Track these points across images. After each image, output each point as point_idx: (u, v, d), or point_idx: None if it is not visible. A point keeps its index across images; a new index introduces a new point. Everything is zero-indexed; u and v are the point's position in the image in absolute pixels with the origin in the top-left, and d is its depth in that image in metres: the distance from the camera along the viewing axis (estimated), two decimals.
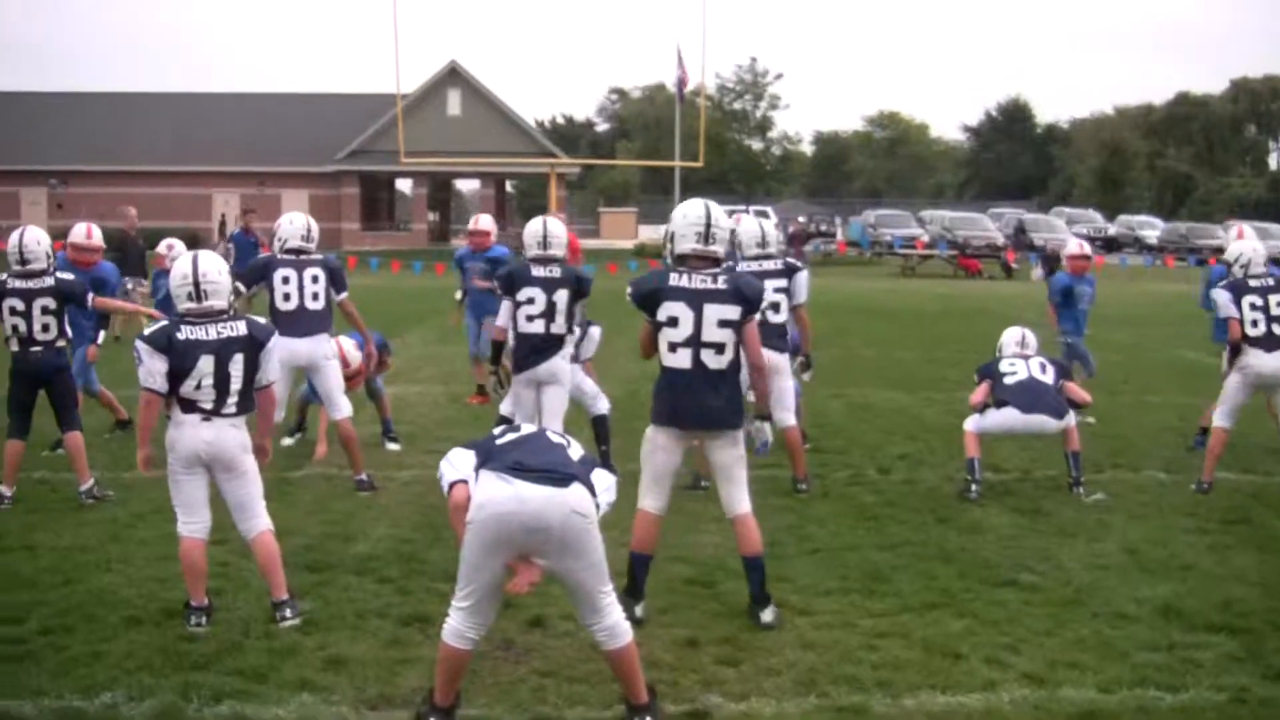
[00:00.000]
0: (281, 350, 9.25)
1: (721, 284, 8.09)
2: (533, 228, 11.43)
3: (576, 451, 6.60)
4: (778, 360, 11.29)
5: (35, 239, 11.13)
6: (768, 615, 8.15)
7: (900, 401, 17.04)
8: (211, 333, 8.02)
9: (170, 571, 8.59)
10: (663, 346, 8.19)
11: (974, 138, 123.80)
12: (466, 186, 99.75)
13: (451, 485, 6.45)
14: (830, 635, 7.89)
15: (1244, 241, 12.51)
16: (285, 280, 11.65)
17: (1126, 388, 17.46)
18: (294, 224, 11.94)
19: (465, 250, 17.04)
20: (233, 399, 8.07)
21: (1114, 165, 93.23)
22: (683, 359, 8.12)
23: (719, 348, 8.08)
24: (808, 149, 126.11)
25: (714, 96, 77.53)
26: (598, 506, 6.36)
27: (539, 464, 6.33)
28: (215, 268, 8.04)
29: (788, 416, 11.70)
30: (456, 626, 6.42)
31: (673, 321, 8.11)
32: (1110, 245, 66.86)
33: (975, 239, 57.27)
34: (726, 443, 8.25)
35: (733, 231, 8.72)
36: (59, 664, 7.25)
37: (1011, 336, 12.49)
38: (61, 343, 11.32)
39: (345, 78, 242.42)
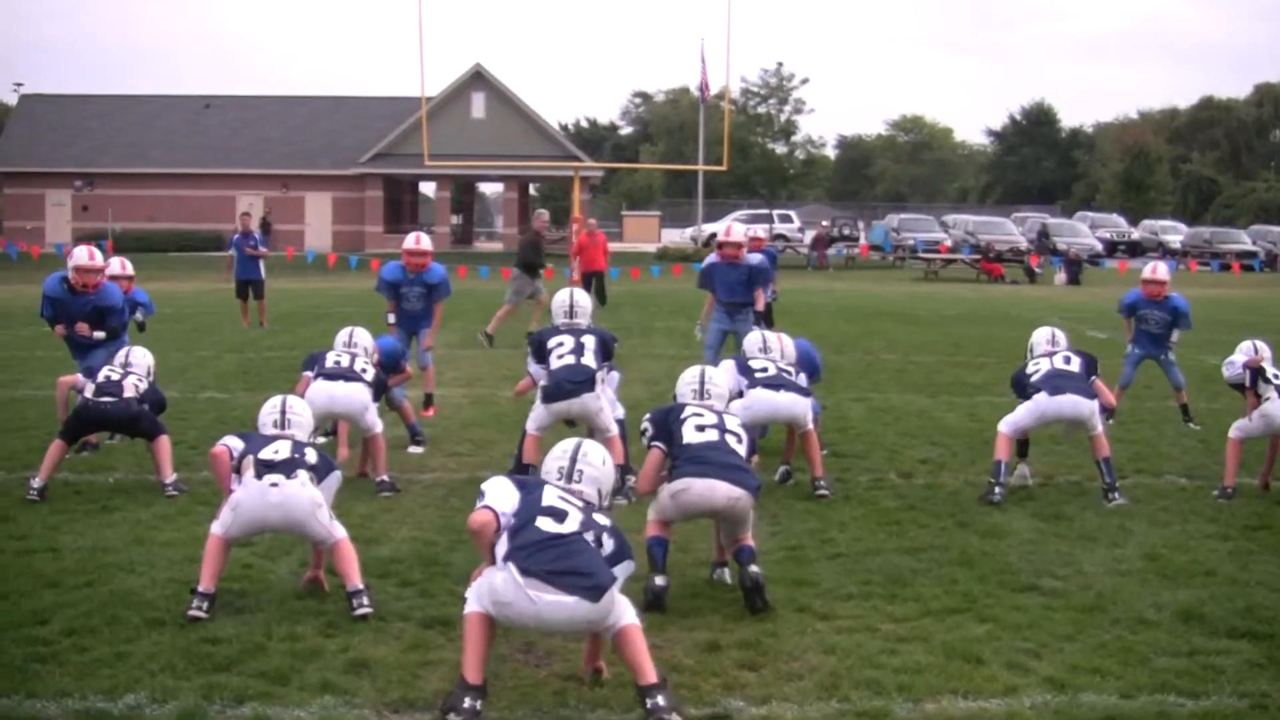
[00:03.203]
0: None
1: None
2: (560, 298, 12.37)
3: (610, 544, 6.96)
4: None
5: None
6: (754, 567, 8.46)
7: (921, 405, 17.02)
8: None
9: (194, 574, 8.62)
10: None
11: (998, 142, 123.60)
12: (490, 189, 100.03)
13: (481, 507, 6.90)
14: (852, 639, 7.89)
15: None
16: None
17: (1148, 393, 17.41)
18: None
19: (397, 270, 15.39)
20: None
21: (1138, 169, 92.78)
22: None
23: None
24: (831, 153, 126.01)
25: (738, 100, 77.35)
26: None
27: (568, 568, 6.68)
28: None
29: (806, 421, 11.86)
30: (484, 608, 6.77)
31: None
32: (1134, 249, 66.78)
33: (998, 243, 57.17)
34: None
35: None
36: (82, 665, 7.28)
37: (1042, 335, 12.54)
38: (131, 393, 11.92)
39: (369, 81, 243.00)
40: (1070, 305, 36.40)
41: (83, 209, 67.92)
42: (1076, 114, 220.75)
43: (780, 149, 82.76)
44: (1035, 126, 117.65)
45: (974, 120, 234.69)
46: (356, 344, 12.56)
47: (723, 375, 9.93)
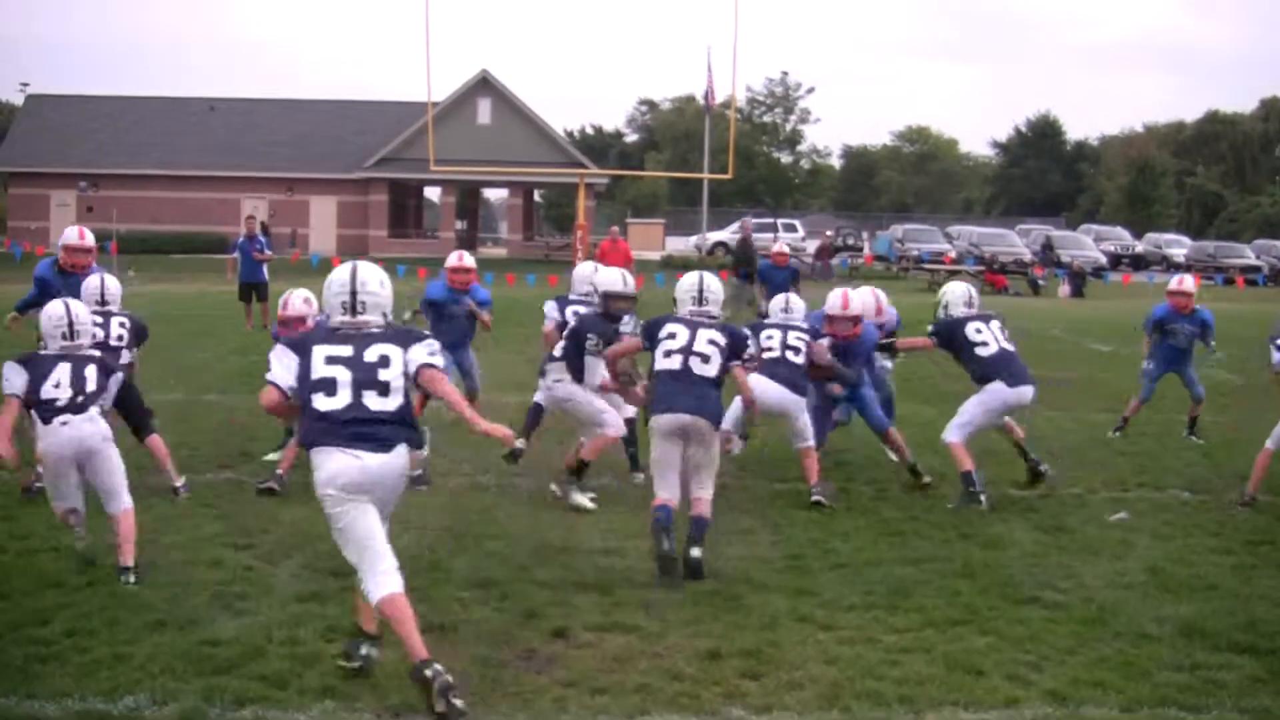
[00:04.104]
0: None
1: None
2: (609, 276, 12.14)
3: (394, 378, 7.26)
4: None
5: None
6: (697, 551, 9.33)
7: (925, 415, 16.96)
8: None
9: (195, 576, 8.65)
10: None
11: (1003, 154, 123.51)
12: (494, 195, 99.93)
13: (268, 384, 7.26)
14: (853, 650, 7.89)
15: None
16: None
17: (1152, 406, 17.38)
18: None
19: (442, 289, 14.88)
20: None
21: (1143, 183, 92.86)
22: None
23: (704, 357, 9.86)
24: (836, 163, 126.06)
25: (744, 109, 77.45)
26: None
27: (374, 434, 7.10)
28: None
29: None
30: (389, 579, 7.09)
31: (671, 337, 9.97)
32: (1138, 263, 66.75)
33: (1003, 255, 57.08)
34: None
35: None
36: (83, 666, 7.29)
37: (960, 294, 12.58)
38: (125, 357, 11.76)
39: (376, 85, 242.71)
40: (1074, 317, 36.33)
41: (87, 210, 67.76)
42: (1082, 127, 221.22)
43: (785, 158, 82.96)
44: (1040, 139, 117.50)
45: (979, 132, 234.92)
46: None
47: (719, 282, 10.32)
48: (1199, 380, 16.05)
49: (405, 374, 7.26)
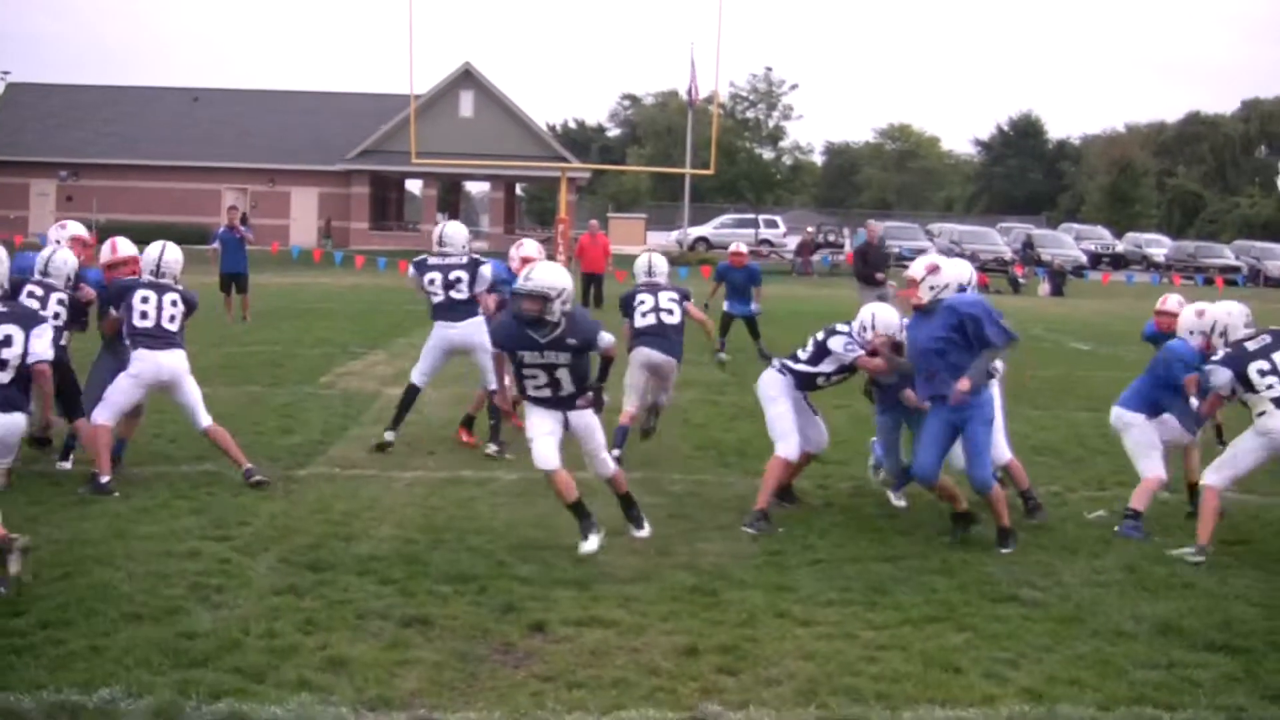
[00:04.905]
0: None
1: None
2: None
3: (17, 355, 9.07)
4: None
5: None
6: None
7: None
8: None
9: (172, 568, 8.61)
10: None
11: (985, 152, 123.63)
12: (476, 189, 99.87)
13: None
14: (831, 646, 7.88)
15: (1219, 306, 11.23)
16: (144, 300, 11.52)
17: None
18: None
19: (504, 270, 14.00)
20: None
21: (1124, 182, 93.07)
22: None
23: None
24: (818, 159, 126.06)
25: (726, 105, 77.34)
26: None
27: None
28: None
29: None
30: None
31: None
32: (1118, 262, 66.99)
33: (983, 253, 57.23)
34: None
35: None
36: (57, 658, 7.25)
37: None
38: (62, 340, 11.37)
39: (358, 77, 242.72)
40: (1054, 316, 36.44)
41: (67, 199, 67.67)
42: (1064, 126, 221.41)
43: (768, 154, 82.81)
44: (1022, 137, 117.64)
45: (961, 130, 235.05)
46: (165, 272, 11.67)
47: (664, 260, 13.97)
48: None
49: (25, 354, 8.81)
